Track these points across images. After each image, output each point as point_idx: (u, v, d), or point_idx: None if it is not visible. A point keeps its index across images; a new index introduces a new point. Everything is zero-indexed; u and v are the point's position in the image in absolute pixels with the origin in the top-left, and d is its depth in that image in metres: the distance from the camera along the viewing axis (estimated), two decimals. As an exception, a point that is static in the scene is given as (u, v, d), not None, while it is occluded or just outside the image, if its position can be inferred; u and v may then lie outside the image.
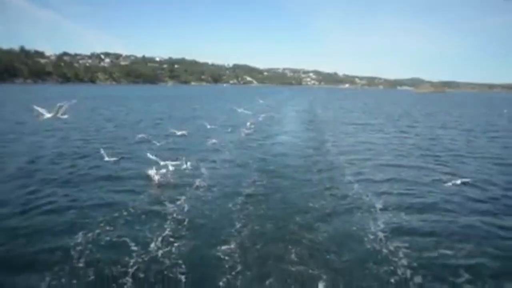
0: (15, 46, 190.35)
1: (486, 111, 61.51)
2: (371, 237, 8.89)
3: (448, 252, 8.25)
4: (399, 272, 7.23)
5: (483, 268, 7.54)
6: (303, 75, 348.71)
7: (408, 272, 7.21)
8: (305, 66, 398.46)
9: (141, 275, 6.96)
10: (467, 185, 13.46)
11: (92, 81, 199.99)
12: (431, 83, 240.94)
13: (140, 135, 21.23)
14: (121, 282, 6.71)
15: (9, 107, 43.93)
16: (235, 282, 6.82)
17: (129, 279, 6.82)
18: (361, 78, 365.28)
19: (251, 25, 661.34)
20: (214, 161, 16.42)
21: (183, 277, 6.97)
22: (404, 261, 7.62)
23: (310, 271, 7.25)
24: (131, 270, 7.09)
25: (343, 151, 20.13)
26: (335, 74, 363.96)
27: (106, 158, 15.06)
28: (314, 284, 6.79)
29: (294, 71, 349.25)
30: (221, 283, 6.74)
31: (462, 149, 22.33)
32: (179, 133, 22.05)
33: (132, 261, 7.38)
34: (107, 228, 9.03)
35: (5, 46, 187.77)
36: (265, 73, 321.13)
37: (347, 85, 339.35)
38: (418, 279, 6.97)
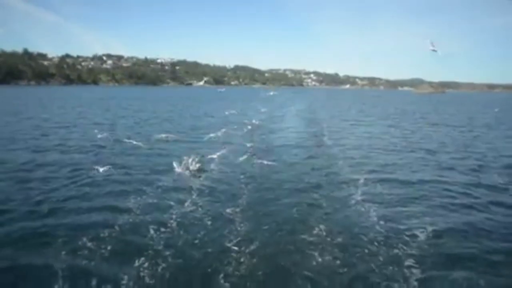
0: (16, 48, 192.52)
1: (477, 110, 64.36)
2: (352, 202, 11.54)
3: (412, 214, 10.77)
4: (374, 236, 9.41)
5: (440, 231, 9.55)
6: (304, 76, 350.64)
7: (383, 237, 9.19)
8: (306, 67, 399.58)
9: (180, 223, 9.61)
10: (436, 164, 17.07)
11: (95, 82, 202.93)
12: (431, 84, 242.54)
13: (159, 130, 24.13)
14: (165, 229, 9.26)
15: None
16: (238, 232, 9.18)
17: (174, 225, 9.51)
18: (361, 79, 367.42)
19: (252, 26, 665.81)
20: (224, 150, 19.02)
21: (209, 223, 9.63)
22: (379, 228, 10.13)
23: (302, 230, 9.55)
24: (171, 223, 9.70)
25: (337, 143, 23.29)
26: (336, 75, 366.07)
27: (134, 143, 17.95)
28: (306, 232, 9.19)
29: (295, 72, 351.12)
30: (226, 231, 9.20)
31: (438, 139, 26.08)
32: (192, 128, 24.83)
33: (171, 220, 9.82)
34: (146, 195, 11.73)
35: (6, 48, 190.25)
36: (266, 74, 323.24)
37: (348, 86, 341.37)
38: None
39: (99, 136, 21.80)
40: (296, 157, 18.41)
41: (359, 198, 11.73)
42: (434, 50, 11.01)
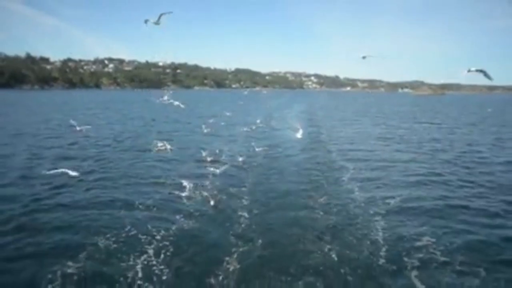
0: (18, 52, 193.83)
1: (470, 110, 67.17)
2: (342, 181, 14.05)
3: (384, 187, 13.18)
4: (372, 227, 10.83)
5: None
6: (304, 79, 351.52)
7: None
8: (306, 70, 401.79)
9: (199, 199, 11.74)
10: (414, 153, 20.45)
11: (97, 86, 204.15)
12: (430, 86, 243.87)
13: (173, 130, 26.67)
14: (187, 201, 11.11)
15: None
16: (243, 208, 11.17)
17: (196, 198, 11.83)
18: (362, 81, 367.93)
19: (252, 29, 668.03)
20: (232, 146, 21.44)
21: (220, 201, 11.58)
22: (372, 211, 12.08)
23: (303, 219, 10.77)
24: (194, 194, 11.79)
25: (333, 138, 26.33)
26: (337, 77, 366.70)
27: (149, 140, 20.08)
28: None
29: (296, 74, 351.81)
30: (234, 208, 11.25)
31: (418, 134, 29.78)
32: (204, 127, 26.89)
33: (196, 193, 12.14)
34: (169, 178, 14.03)
35: (8, 52, 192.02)
36: (267, 77, 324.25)
37: (348, 88, 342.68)
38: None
39: (118, 133, 24.88)
40: (294, 150, 21.00)
41: (347, 178, 14.61)
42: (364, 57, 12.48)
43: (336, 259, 8.07)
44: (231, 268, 7.63)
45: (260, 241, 8.87)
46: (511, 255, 8.41)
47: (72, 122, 22.25)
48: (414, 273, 7.56)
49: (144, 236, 8.98)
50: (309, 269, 7.68)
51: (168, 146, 15.67)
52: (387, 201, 11.73)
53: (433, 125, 37.29)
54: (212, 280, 7.21)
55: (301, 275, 7.43)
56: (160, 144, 16.20)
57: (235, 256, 8.14)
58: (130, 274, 7.35)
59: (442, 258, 8.11)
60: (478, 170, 16.56)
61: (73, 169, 13.24)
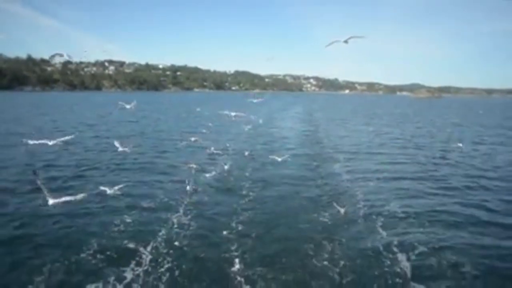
0: (17, 53, 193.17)
1: (459, 112, 70.03)
2: (334, 172, 15.95)
3: (367, 173, 15.34)
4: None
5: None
6: (303, 81, 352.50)
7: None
8: (305, 72, 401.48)
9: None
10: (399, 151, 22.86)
11: (98, 88, 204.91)
12: (428, 89, 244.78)
13: (179, 129, 30.21)
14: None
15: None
16: (243, 202, 12.99)
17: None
18: (361, 84, 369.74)
19: (252, 32, 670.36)
20: (234, 142, 23.53)
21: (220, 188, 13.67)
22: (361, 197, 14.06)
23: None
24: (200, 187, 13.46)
25: (328, 135, 28.97)
26: (336, 80, 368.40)
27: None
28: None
29: (295, 77, 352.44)
30: (233, 199, 13.29)
31: (402, 131, 33.48)
32: (209, 124, 28.61)
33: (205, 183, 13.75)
34: (172, 172, 15.83)
35: (7, 53, 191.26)
36: (266, 80, 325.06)
37: (347, 91, 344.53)
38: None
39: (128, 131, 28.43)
40: (292, 146, 23.48)
41: (338, 166, 17.28)
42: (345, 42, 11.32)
43: (326, 226, 10.03)
44: (234, 231, 9.59)
45: (258, 212, 10.91)
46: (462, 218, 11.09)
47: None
48: (385, 233, 9.66)
49: (171, 205, 11.17)
50: (300, 235, 9.58)
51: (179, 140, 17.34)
52: (369, 182, 14.15)
53: (417, 124, 41.08)
54: (218, 240, 9.21)
55: (292, 240, 9.30)
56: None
57: (237, 224, 10.09)
58: (155, 240, 9.12)
59: (406, 218, 10.48)
60: (452, 158, 20.03)
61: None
